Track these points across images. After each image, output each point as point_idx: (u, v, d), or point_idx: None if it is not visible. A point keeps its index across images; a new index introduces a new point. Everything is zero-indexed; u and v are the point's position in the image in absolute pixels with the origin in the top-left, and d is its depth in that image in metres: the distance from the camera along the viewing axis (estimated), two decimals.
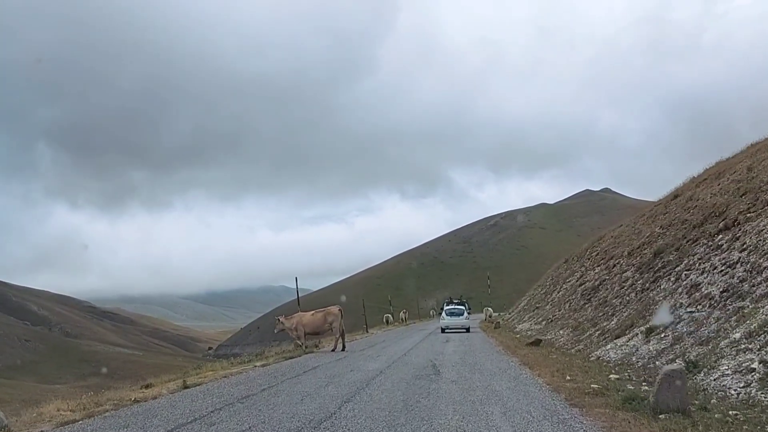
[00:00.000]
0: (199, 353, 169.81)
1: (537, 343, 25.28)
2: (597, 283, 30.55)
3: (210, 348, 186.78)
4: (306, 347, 25.14)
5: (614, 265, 30.59)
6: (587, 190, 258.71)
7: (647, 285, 22.49)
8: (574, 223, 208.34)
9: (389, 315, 62.91)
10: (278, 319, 25.50)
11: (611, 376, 13.47)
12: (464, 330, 42.15)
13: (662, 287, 20.79)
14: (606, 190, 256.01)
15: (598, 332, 22.34)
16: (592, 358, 18.54)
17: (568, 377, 13.72)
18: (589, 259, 39.66)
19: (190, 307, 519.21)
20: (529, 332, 33.48)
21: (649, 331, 17.37)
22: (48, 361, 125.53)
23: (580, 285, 34.49)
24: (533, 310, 43.72)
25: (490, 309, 66.01)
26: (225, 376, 16.22)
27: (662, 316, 17.58)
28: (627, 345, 17.91)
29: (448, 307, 46.84)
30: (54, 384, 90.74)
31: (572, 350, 21.84)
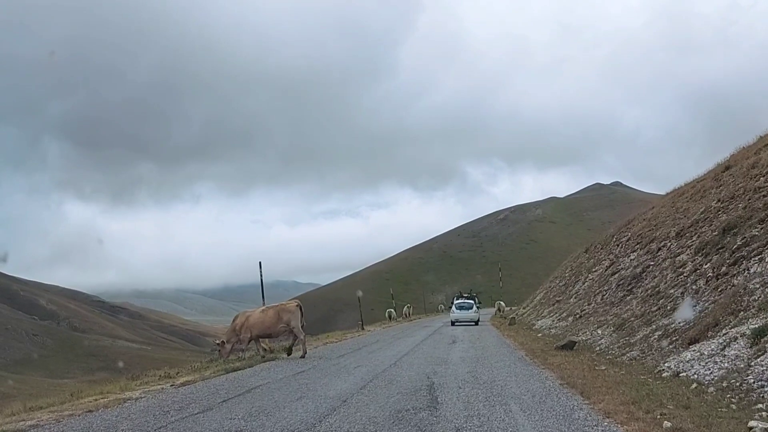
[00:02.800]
0: (207, 347, 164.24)
1: (570, 346, 18.96)
2: (638, 270, 24.14)
3: (218, 342, 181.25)
4: (266, 353, 18.94)
5: (659, 249, 24.27)
6: (597, 183, 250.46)
7: (724, 269, 16.14)
8: (584, 217, 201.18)
9: (392, 310, 56.63)
10: (221, 343, 19.57)
11: (753, 424, 7.06)
12: (473, 323, 42.52)
13: (753, 271, 14.46)
14: (616, 184, 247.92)
15: (659, 333, 15.97)
16: (666, 374, 12.22)
17: (664, 421, 7.43)
18: (618, 245, 33.42)
19: (199, 301, 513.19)
20: (553, 330, 27.14)
21: (759, 334, 11.06)
22: (55, 356, 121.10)
23: (613, 274, 28.16)
24: (553, 304, 37.40)
25: (502, 303, 59.61)
26: (92, 410, 9.95)
27: None
28: (722, 355, 11.56)
29: (457, 302, 47.40)
30: (62, 378, 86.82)
31: (624, 358, 15.53)
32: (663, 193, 41.32)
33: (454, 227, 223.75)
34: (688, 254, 20.49)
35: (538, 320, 35.62)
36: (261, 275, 20.65)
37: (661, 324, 16.63)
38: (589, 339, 20.31)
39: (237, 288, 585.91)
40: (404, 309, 62.16)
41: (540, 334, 26.66)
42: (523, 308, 52.25)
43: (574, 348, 18.84)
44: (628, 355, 15.77)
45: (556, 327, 27.89)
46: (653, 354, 14.68)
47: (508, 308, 61.13)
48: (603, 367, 14.21)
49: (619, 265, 28.85)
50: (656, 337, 15.88)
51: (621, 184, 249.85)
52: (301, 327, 18.85)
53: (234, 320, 19.17)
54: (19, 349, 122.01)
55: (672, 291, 18.58)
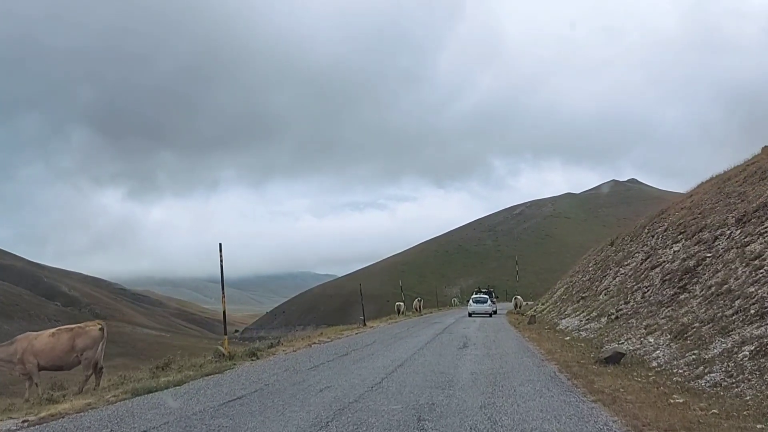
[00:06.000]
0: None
1: (615, 358, 13.98)
2: (691, 263, 19.08)
3: (236, 331, 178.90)
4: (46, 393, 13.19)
5: (714, 239, 19.23)
6: (613, 180, 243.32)
7: None
8: (599, 213, 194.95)
9: (401, 303, 51.56)
10: None
11: None
12: (487, 315, 45.70)
13: None
14: (632, 181, 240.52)
15: (749, 347, 11.02)
16: None
17: None
18: (653, 236, 28.37)
19: (218, 290, 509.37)
20: (583, 333, 22.12)
21: None
22: None
23: (653, 268, 23.10)
24: (578, 301, 32.35)
25: (519, 298, 54.43)
26: None
27: None
28: None
29: (474, 296, 50.20)
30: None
31: (702, 384, 10.57)
32: (682, 190, 37.02)
33: (470, 221, 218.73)
34: (758, 244, 15.61)
35: (561, 319, 30.59)
36: (221, 259, 15.79)
37: (747, 334, 11.66)
38: (639, 349, 15.29)
39: (266, 278, 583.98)
40: (414, 302, 57.05)
41: (568, 338, 21.64)
42: (542, 304, 47.16)
43: (621, 362, 13.91)
44: (708, 378, 10.79)
45: (586, 329, 22.86)
46: (752, 380, 9.75)
47: (526, 303, 56.00)
48: (680, 399, 9.31)
49: (659, 257, 23.80)
50: (747, 353, 10.92)
51: (637, 181, 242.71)
52: (101, 357, 13.53)
53: (12, 342, 13.37)
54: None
55: (752, 289, 13.59)
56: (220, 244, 16.07)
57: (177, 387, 10.77)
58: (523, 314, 44.72)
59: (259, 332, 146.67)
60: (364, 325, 32.50)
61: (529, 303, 57.54)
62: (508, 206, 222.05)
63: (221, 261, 16.05)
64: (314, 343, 20.59)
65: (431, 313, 57.66)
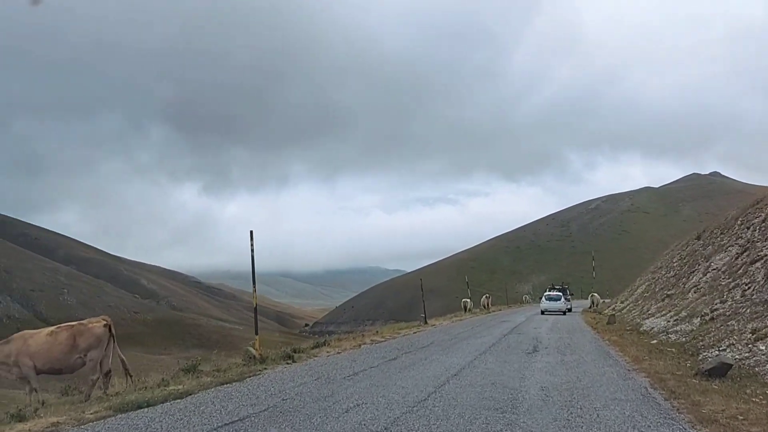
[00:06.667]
0: (296, 329, 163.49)
1: (721, 370, 11.32)
2: None
3: (306, 325, 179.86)
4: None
5: None
6: (694, 173, 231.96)
7: None
8: (679, 207, 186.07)
9: (467, 300, 49.00)
10: None
11: None
12: (561, 313, 43.30)
13: None
14: (715, 174, 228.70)
15: None
16: None
17: None
18: (748, 227, 25.11)
19: (289, 284, 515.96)
20: (672, 336, 19.24)
21: None
22: (154, 333, 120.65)
23: (753, 262, 20.06)
24: (662, 299, 29.20)
25: (596, 295, 50.96)
26: None
27: None
28: None
29: (547, 293, 47.77)
30: (159, 354, 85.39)
31: None
32: (764, 183, 33.36)
33: (543, 216, 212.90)
34: None
35: (644, 319, 27.55)
36: (252, 248, 13.90)
37: None
38: (747, 359, 12.54)
39: (335, 273, 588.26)
40: (482, 299, 54.29)
41: (654, 341, 18.82)
42: (621, 302, 43.79)
43: (729, 375, 11.25)
44: None
45: (675, 331, 19.95)
46: None
47: (603, 301, 52.56)
48: None
49: (759, 250, 20.73)
50: None
51: (719, 174, 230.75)
52: (110, 357, 11.65)
53: (8, 341, 11.46)
54: (121, 325, 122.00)
55: None
56: (251, 232, 14.23)
57: (177, 400, 8.88)
58: (600, 313, 41.56)
59: (329, 327, 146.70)
60: (425, 323, 30.23)
61: (606, 301, 54.09)
62: (583, 201, 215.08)
63: (252, 250, 14.19)
64: (365, 343, 18.51)
65: (500, 310, 54.85)
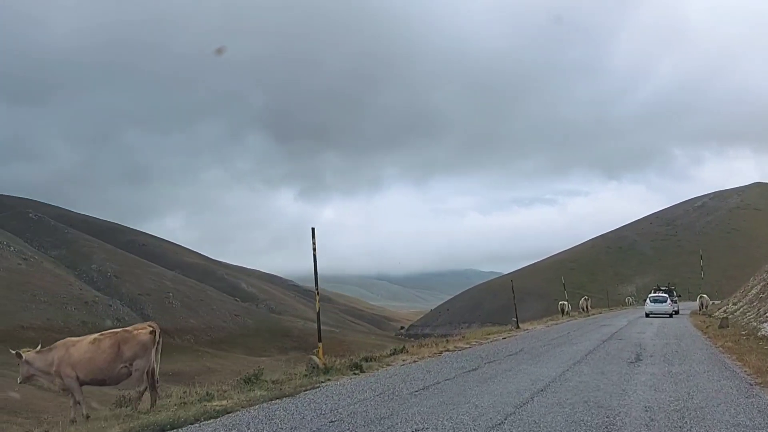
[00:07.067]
0: (391, 332, 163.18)
1: None
2: None
3: (402, 327, 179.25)
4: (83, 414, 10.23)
5: None
6: None
7: None
8: None
9: (565, 302, 46.42)
10: (18, 355, 10.30)
11: None
12: (667, 315, 41.38)
13: None
14: None
15: None
16: None
17: None
18: None
19: (383, 287, 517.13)
20: None
21: None
22: (254, 335, 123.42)
23: None
24: None
25: (705, 297, 47.23)
26: None
27: None
28: None
29: (652, 295, 45.74)
30: (260, 356, 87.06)
31: None
32: None
33: (646, 215, 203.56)
34: None
35: (762, 323, 24.67)
36: (314, 244, 12.74)
37: None
38: None
39: (431, 275, 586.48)
40: (581, 302, 51.43)
41: None
42: (733, 304, 40.20)
43: None
44: None
45: None
46: None
47: (712, 303, 48.72)
48: None
49: None
50: None
51: None
52: (156, 366, 10.58)
53: (51, 348, 10.47)
54: (223, 328, 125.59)
55: None
56: (313, 229, 13.07)
57: (210, 420, 7.77)
58: (710, 316, 38.24)
59: (424, 329, 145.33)
60: (517, 327, 28.32)
61: (716, 303, 50.17)
62: (688, 198, 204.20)
63: (314, 248, 13.03)
64: (447, 350, 17.03)
65: (600, 313, 51.81)
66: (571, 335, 23.13)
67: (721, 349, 17.21)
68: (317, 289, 13.80)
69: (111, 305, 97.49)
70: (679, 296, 57.69)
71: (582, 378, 11.24)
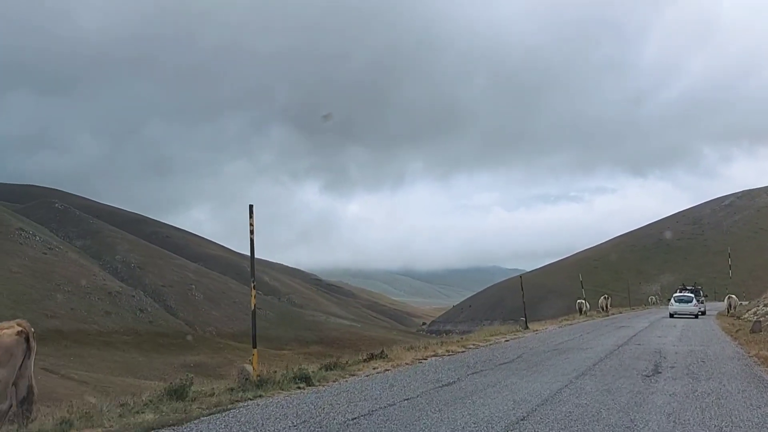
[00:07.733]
0: (413, 327, 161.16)
1: None
2: None
3: (424, 323, 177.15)
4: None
5: None
6: None
7: None
8: None
9: (583, 301, 43.69)
10: None
11: None
12: (692, 316, 40.55)
13: None
14: None
15: None
16: None
17: None
18: None
19: (407, 283, 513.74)
20: None
21: None
22: (276, 329, 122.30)
23: None
24: None
25: (734, 297, 44.25)
26: None
27: None
28: None
29: (677, 295, 44.81)
30: (281, 350, 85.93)
31: None
32: None
33: (673, 213, 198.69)
34: None
35: None
36: (251, 225, 10.53)
37: None
38: None
39: (454, 272, 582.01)
40: (600, 300, 48.51)
41: None
42: (765, 305, 37.20)
43: None
44: None
45: None
46: None
47: (740, 303, 45.66)
48: None
49: None
50: None
51: None
52: (27, 380, 7.94)
53: None
54: (245, 321, 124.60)
55: None
56: (251, 206, 10.87)
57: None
58: (739, 318, 35.35)
59: (446, 326, 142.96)
60: (526, 328, 25.80)
61: (744, 303, 47.09)
62: (716, 197, 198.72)
63: (251, 230, 10.81)
64: (435, 354, 14.72)
65: (620, 313, 49.01)
66: (583, 338, 20.65)
67: (756, 359, 14.67)
68: (253, 281, 11.70)
69: (134, 296, 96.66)
70: (706, 296, 54.65)
71: (581, 399, 8.88)
